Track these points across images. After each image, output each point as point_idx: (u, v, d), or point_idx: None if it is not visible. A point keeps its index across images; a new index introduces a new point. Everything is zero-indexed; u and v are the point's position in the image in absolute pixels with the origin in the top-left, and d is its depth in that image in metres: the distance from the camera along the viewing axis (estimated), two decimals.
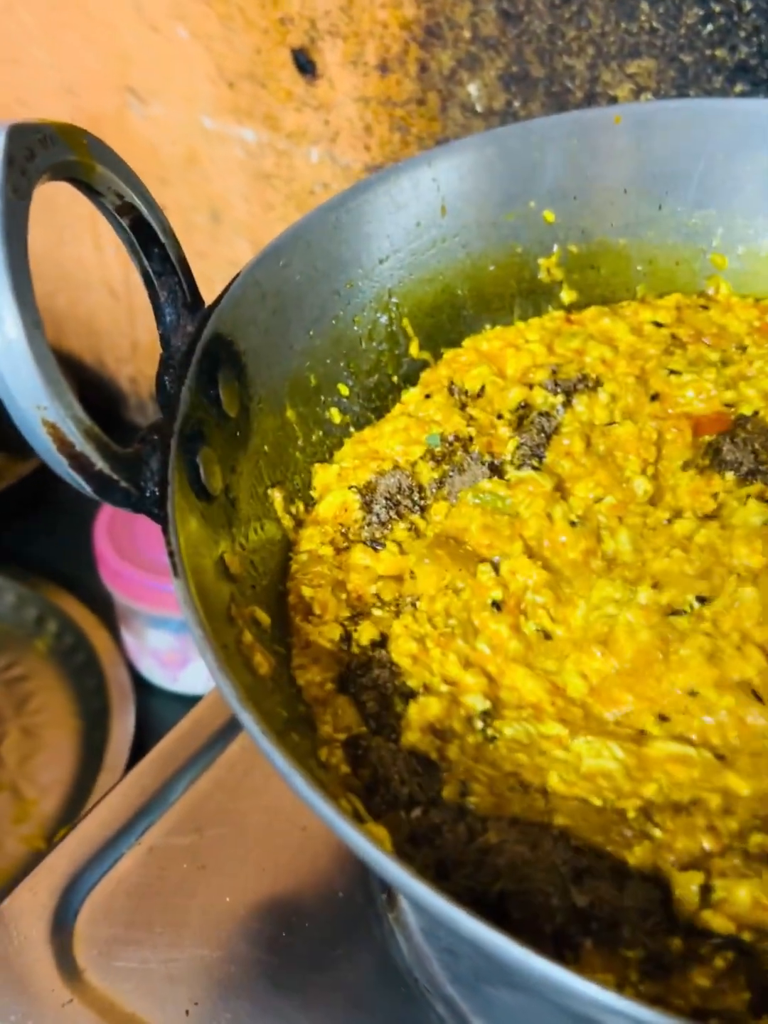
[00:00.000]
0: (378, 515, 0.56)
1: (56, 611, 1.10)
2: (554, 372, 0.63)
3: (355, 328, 0.62)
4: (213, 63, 0.99)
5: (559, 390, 0.63)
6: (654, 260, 0.70)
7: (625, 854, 0.43)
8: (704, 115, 0.67)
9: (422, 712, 0.48)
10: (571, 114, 0.68)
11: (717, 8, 0.74)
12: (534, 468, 0.59)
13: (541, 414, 0.62)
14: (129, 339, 1.27)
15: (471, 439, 0.60)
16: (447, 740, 0.47)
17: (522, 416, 0.62)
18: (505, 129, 0.67)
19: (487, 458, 0.59)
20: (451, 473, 0.58)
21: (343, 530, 0.55)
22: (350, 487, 0.57)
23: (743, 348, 0.64)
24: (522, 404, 0.63)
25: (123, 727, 0.99)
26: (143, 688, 1.06)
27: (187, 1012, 0.53)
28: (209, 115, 1.03)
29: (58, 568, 1.14)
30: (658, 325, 0.66)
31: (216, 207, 1.09)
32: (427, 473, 0.58)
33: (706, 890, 0.41)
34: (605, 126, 0.67)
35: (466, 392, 0.63)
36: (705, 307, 0.68)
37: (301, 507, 0.56)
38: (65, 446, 0.42)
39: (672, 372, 0.62)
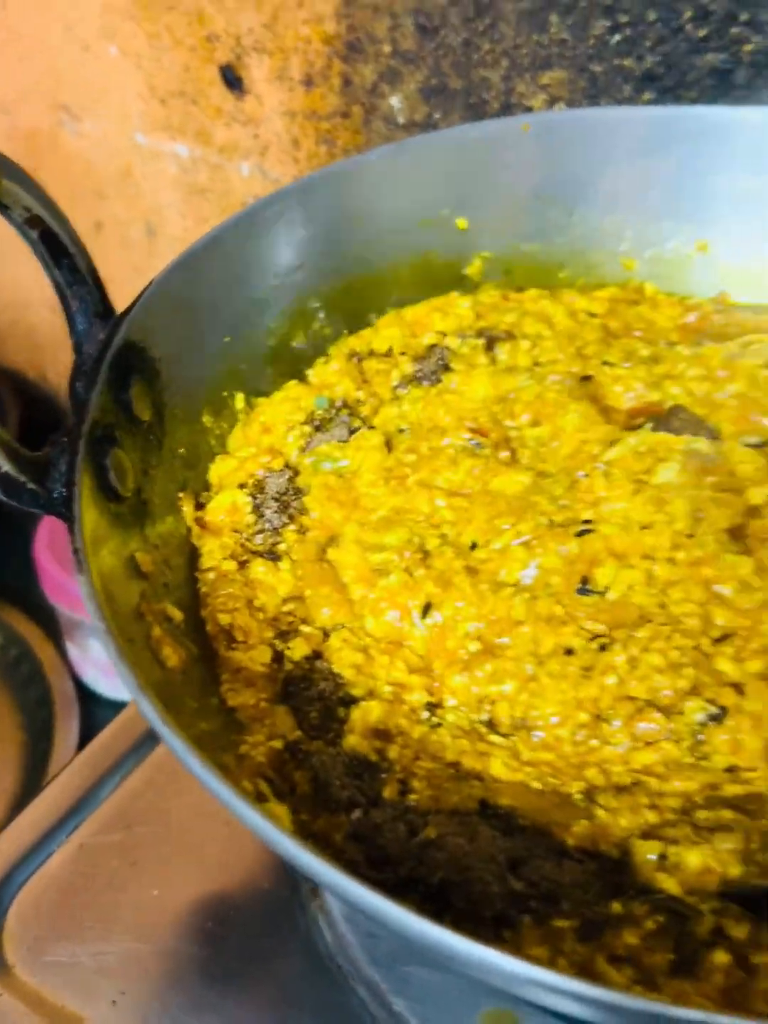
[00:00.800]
0: (270, 520, 0.56)
1: None
2: (481, 331, 0.65)
3: (271, 334, 0.64)
4: (144, 80, 1.01)
5: (481, 337, 0.64)
6: (566, 264, 0.72)
7: (565, 835, 0.44)
8: (609, 123, 0.69)
9: (365, 716, 0.49)
10: (480, 124, 0.70)
11: (623, 19, 0.76)
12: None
13: (446, 348, 0.63)
14: (70, 353, 1.28)
15: (359, 402, 0.62)
16: (389, 740, 0.48)
17: (426, 354, 0.64)
18: (417, 139, 0.69)
19: (357, 423, 0.60)
20: (313, 437, 0.59)
21: (240, 539, 0.56)
22: (240, 485, 0.57)
23: (672, 344, 0.66)
24: (432, 346, 0.64)
25: (68, 736, 1.00)
26: (88, 698, 1.07)
27: (114, 1002, 0.55)
28: (142, 131, 1.04)
29: (0, 581, 1.15)
30: (591, 315, 0.67)
31: (151, 221, 1.11)
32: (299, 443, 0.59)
33: (662, 857, 0.43)
34: (514, 136, 0.69)
35: (371, 352, 0.65)
36: (635, 302, 0.70)
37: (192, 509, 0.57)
38: None
39: (606, 363, 0.63)
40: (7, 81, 1.10)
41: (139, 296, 0.56)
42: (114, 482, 0.49)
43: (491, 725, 0.49)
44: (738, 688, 0.47)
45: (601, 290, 0.70)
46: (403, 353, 0.64)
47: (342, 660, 0.50)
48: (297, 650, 0.51)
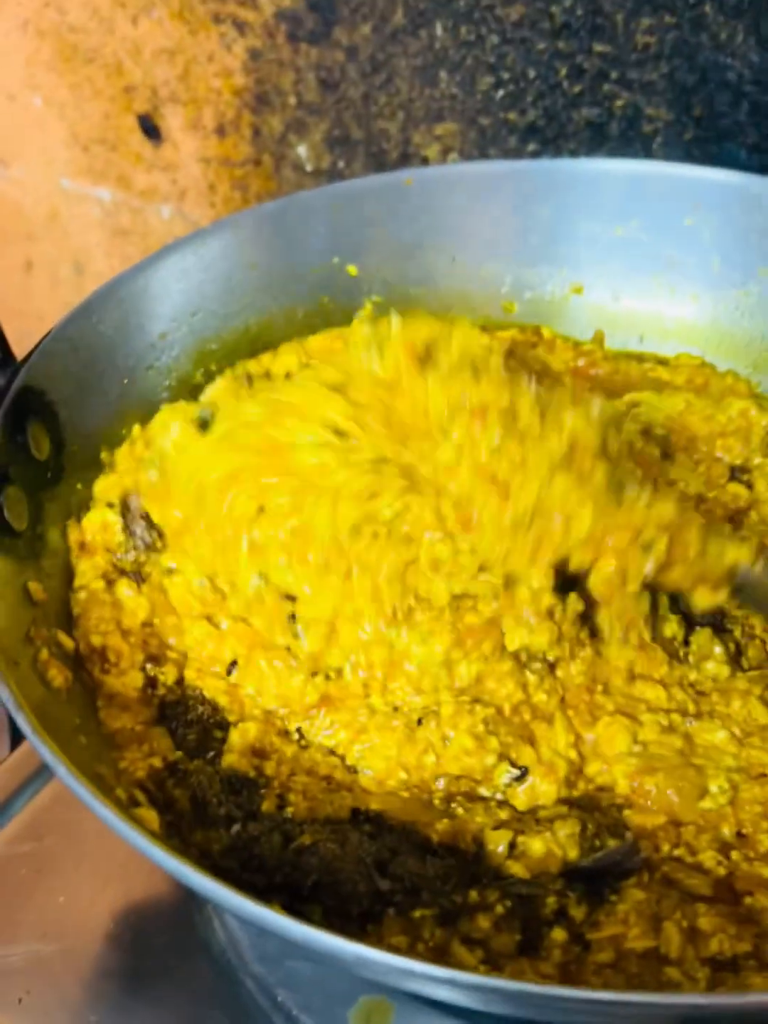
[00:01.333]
0: (141, 537, 0.59)
1: None
2: None
3: (170, 375, 0.69)
4: (67, 128, 1.06)
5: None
6: (452, 307, 0.77)
7: (429, 832, 0.49)
8: (485, 177, 0.75)
9: (243, 736, 0.52)
10: (367, 179, 0.76)
11: (506, 76, 0.82)
12: None
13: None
14: None
15: None
16: (266, 757, 0.52)
17: None
18: (307, 193, 0.74)
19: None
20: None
21: (111, 558, 0.58)
22: (108, 504, 0.60)
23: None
24: None
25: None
26: None
27: (19, 1000, 0.59)
28: (67, 176, 1.09)
29: None
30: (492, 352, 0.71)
31: (79, 260, 1.15)
32: None
33: (511, 846, 0.48)
34: (397, 189, 0.74)
35: (267, 374, 0.68)
36: (534, 345, 0.75)
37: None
38: None
39: None
40: None
41: (38, 343, 0.60)
42: (8, 518, 0.53)
43: (343, 759, 0.53)
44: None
45: (503, 331, 0.75)
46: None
47: (211, 686, 0.54)
48: (169, 675, 0.55)
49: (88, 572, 0.58)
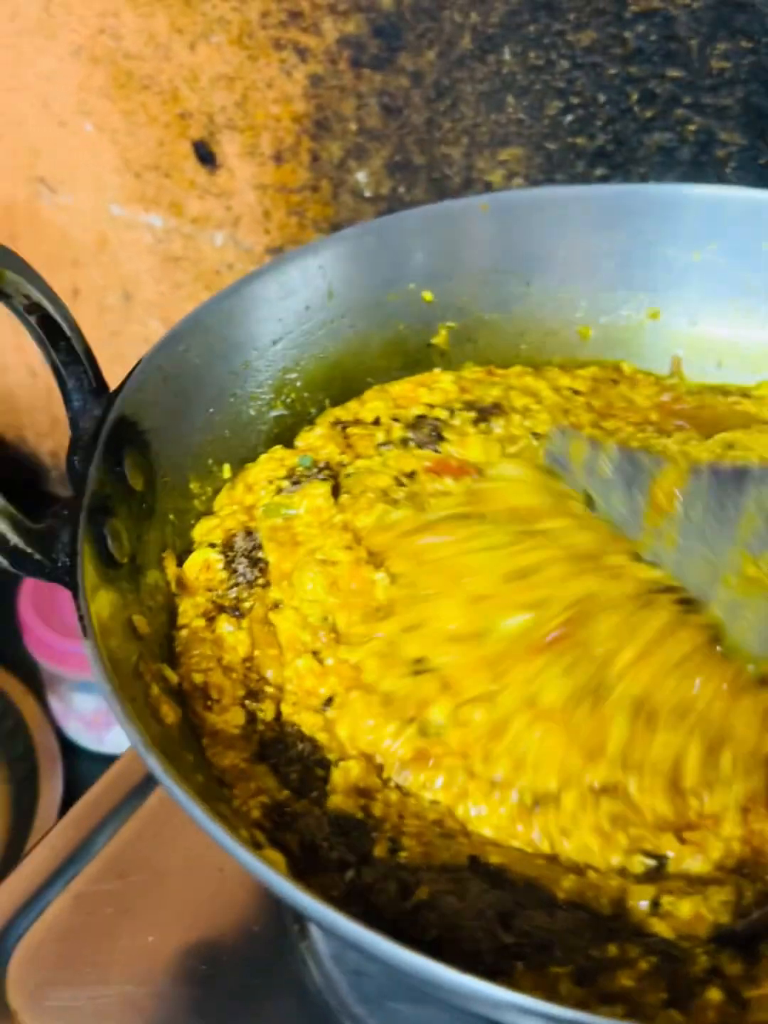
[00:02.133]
0: (243, 574, 0.58)
1: None
2: (468, 403, 0.67)
3: (252, 403, 0.68)
4: (119, 155, 1.06)
5: (471, 409, 0.66)
6: (525, 332, 0.76)
7: (555, 888, 0.47)
8: (562, 201, 0.74)
9: (346, 776, 0.51)
10: (442, 204, 0.75)
11: (575, 100, 0.82)
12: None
13: (437, 419, 0.66)
14: (48, 415, 1.32)
15: (342, 465, 0.64)
16: (372, 797, 0.50)
17: (416, 423, 0.66)
18: (382, 219, 0.74)
19: (328, 474, 0.63)
20: (289, 486, 0.62)
21: (213, 596, 0.58)
22: (210, 544, 0.60)
23: (660, 432, 0.67)
24: (420, 416, 0.66)
25: (52, 789, 1.03)
26: (70, 750, 1.09)
27: None
28: (117, 203, 1.09)
29: None
30: (575, 392, 0.70)
31: (128, 288, 1.15)
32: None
33: (655, 904, 0.46)
34: (473, 214, 0.74)
35: (357, 421, 0.68)
36: (615, 382, 0.73)
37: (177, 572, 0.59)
38: None
39: None
40: None
41: (130, 374, 0.59)
42: (112, 550, 0.53)
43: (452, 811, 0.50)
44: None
45: (583, 369, 0.74)
46: (396, 420, 0.66)
47: (308, 722, 0.53)
48: (267, 711, 0.54)
49: (189, 611, 0.57)
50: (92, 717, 1.06)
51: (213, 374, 0.66)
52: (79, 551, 0.49)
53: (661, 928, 0.45)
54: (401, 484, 0.61)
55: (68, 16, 1.00)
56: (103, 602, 0.50)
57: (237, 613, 0.57)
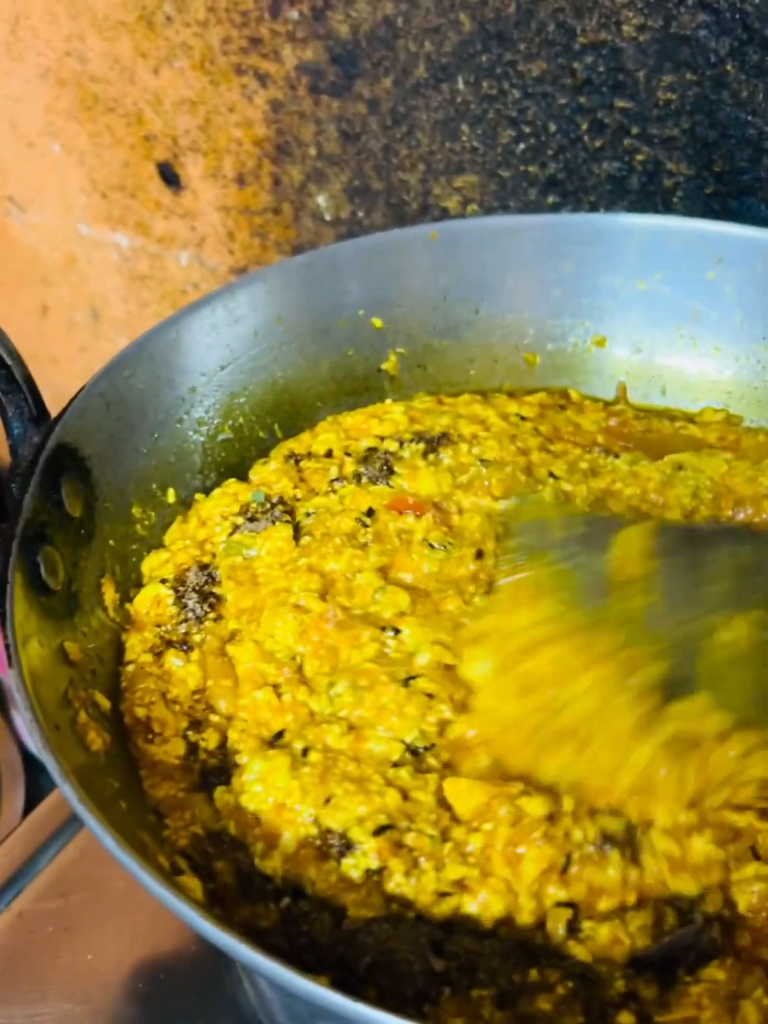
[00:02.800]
0: (192, 610, 0.59)
1: None
2: (417, 434, 0.68)
3: (200, 429, 0.69)
4: (86, 175, 1.07)
5: (420, 441, 0.67)
6: (475, 358, 0.77)
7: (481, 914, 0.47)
8: (510, 230, 0.75)
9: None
10: (392, 233, 0.76)
11: (527, 129, 0.83)
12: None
13: (388, 452, 0.67)
14: None
15: (296, 499, 0.65)
16: None
17: (367, 456, 0.67)
18: (332, 247, 0.75)
19: (286, 519, 0.63)
20: (241, 526, 0.63)
21: (160, 631, 0.59)
22: (161, 580, 0.61)
23: (606, 452, 0.69)
24: (371, 448, 0.68)
25: (13, 803, 1.03)
26: (33, 765, 1.10)
27: None
28: (85, 222, 1.10)
29: None
30: (522, 419, 0.71)
31: (95, 305, 1.16)
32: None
33: (572, 929, 0.47)
34: (423, 242, 0.75)
35: (310, 454, 0.69)
36: (563, 407, 0.74)
37: (117, 599, 0.60)
38: None
39: (552, 475, 0.66)
40: None
41: (71, 401, 0.60)
42: (45, 577, 0.54)
43: None
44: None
45: (531, 395, 0.75)
46: (348, 454, 0.67)
47: (251, 750, 0.53)
48: (210, 740, 0.54)
49: (137, 646, 0.58)
50: None
51: (159, 400, 0.66)
52: (10, 580, 0.50)
53: (579, 951, 0.46)
54: (364, 524, 0.62)
55: (35, 39, 1.01)
56: (33, 630, 0.51)
57: (186, 647, 0.58)
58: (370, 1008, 0.37)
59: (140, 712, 0.55)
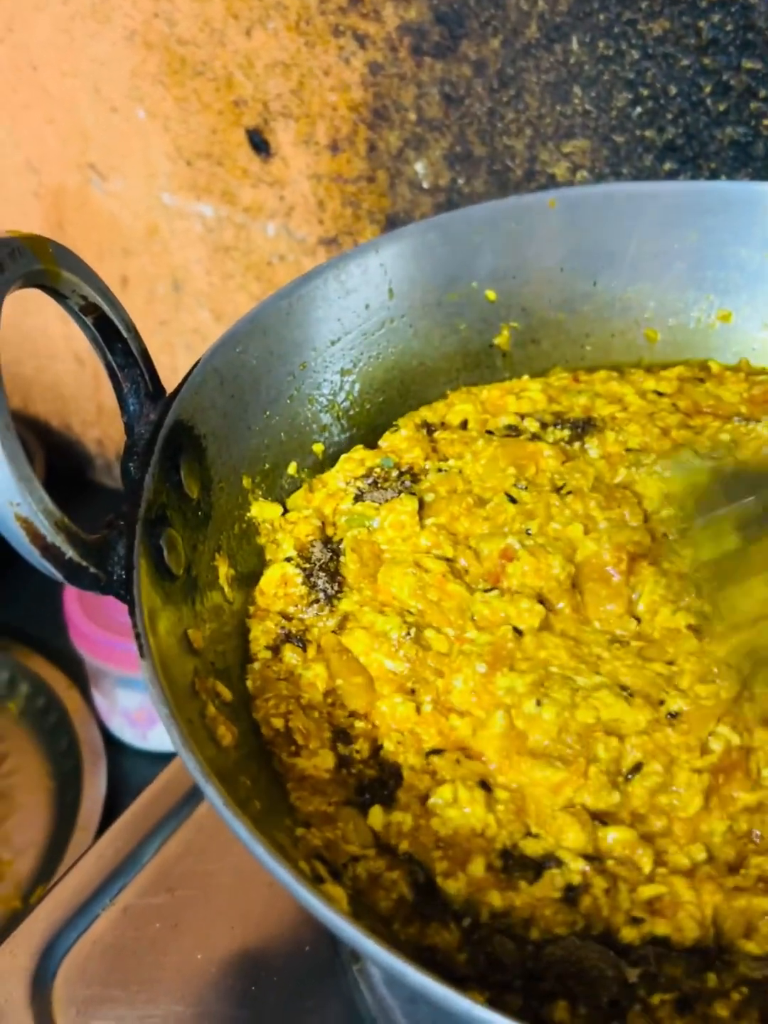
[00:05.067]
0: (323, 589, 0.56)
1: (27, 673, 1.12)
2: (558, 415, 0.66)
3: (310, 406, 0.66)
4: (171, 142, 1.04)
5: (565, 426, 0.65)
6: (591, 333, 0.74)
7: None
8: (633, 198, 0.72)
9: None
10: (509, 200, 0.72)
11: (645, 92, 0.79)
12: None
13: (533, 435, 0.64)
14: (94, 403, 1.30)
15: (425, 471, 0.62)
16: None
17: (509, 434, 0.64)
18: (446, 215, 0.71)
19: (410, 479, 0.61)
20: (370, 490, 0.61)
21: (281, 621, 0.55)
22: (286, 558, 0.57)
23: (745, 419, 0.65)
24: (511, 426, 0.65)
25: (95, 786, 1.02)
26: (114, 746, 1.08)
27: None
28: (168, 191, 1.07)
29: (28, 630, 1.17)
30: (659, 394, 0.68)
31: (178, 277, 1.13)
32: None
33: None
34: (540, 210, 0.71)
35: (443, 424, 0.66)
36: (701, 380, 0.71)
37: (231, 574, 0.57)
38: (37, 538, 0.45)
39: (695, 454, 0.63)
40: (36, 140, 1.12)
41: (186, 377, 0.57)
42: (168, 562, 0.51)
43: None
44: None
45: (668, 370, 0.71)
46: (489, 432, 0.65)
47: (413, 764, 0.49)
48: (363, 750, 0.50)
49: (260, 638, 0.55)
50: (136, 713, 1.05)
51: (271, 376, 0.63)
52: (136, 565, 0.47)
53: (752, 948, 0.44)
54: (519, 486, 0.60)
55: (122, 1, 0.98)
56: (160, 617, 0.48)
57: (301, 642, 0.54)
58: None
59: (277, 723, 0.51)
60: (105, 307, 0.53)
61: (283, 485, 0.63)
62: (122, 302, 0.55)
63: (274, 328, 0.63)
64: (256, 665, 0.54)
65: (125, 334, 0.54)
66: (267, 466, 0.63)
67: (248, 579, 0.59)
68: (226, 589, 0.56)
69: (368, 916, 0.44)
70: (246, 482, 0.61)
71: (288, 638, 0.55)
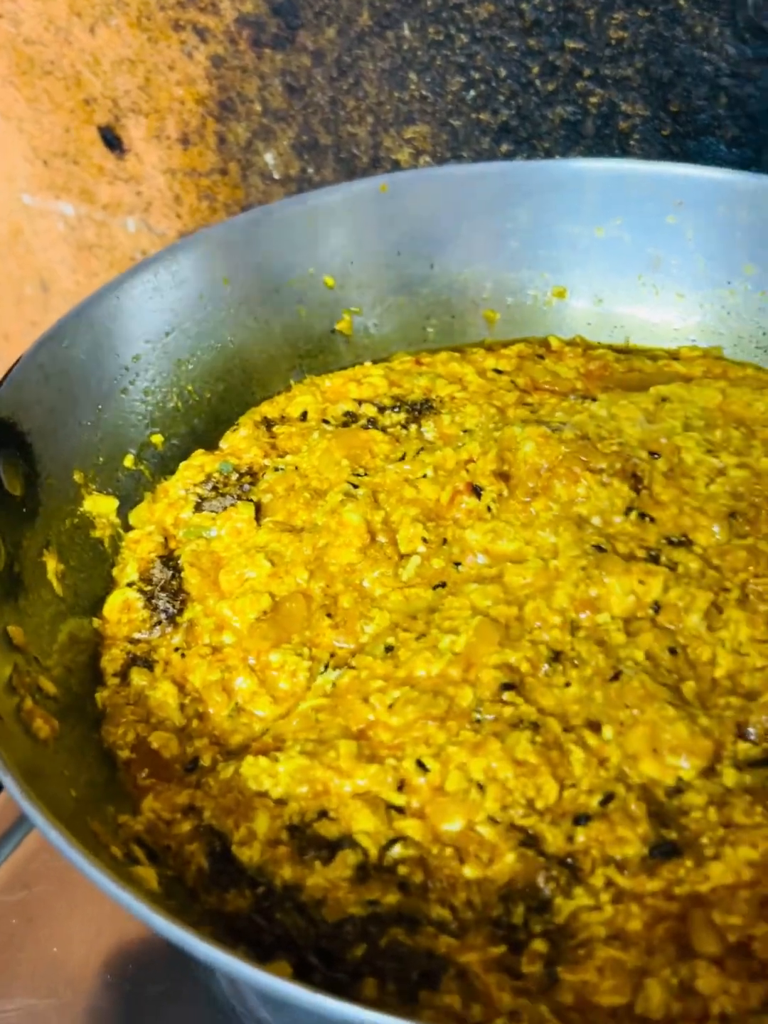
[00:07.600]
0: (164, 610, 0.57)
1: None
2: (397, 399, 0.66)
3: (146, 398, 0.66)
4: (26, 143, 1.03)
5: (402, 409, 0.66)
6: (432, 316, 0.75)
7: None
8: (461, 179, 0.73)
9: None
10: (339, 186, 0.73)
11: (476, 76, 0.80)
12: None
13: (370, 420, 0.65)
14: None
15: (264, 469, 0.63)
16: None
17: (346, 422, 0.65)
18: (279, 203, 0.72)
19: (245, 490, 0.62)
20: (207, 498, 0.61)
21: (129, 644, 0.56)
22: (128, 584, 0.58)
23: (582, 397, 0.66)
24: (348, 412, 0.66)
25: None
26: None
27: None
28: (28, 192, 1.06)
29: None
30: (499, 372, 0.69)
31: (44, 278, 1.12)
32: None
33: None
34: (372, 195, 0.72)
35: (283, 418, 0.66)
36: (541, 357, 0.71)
37: (60, 570, 0.57)
38: None
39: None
40: None
41: (7, 373, 0.57)
42: None
43: None
44: None
45: (507, 347, 0.72)
46: (326, 421, 0.65)
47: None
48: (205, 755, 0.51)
49: (108, 667, 0.55)
50: None
51: (101, 369, 0.64)
52: None
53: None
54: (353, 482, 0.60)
55: None
56: None
57: (147, 664, 0.55)
58: (349, 1004, 0.35)
59: (124, 754, 0.51)
60: None
61: (119, 478, 0.63)
62: None
63: (102, 321, 0.63)
64: (105, 692, 0.54)
65: None
66: (101, 460, 0.63)
67: (85, 572, 0.59)
68: (55, 584, 0.56)
69: (181, 893, 0.45)
70: (78, 476, 0.61)
71: (135, 661, 0.55)
